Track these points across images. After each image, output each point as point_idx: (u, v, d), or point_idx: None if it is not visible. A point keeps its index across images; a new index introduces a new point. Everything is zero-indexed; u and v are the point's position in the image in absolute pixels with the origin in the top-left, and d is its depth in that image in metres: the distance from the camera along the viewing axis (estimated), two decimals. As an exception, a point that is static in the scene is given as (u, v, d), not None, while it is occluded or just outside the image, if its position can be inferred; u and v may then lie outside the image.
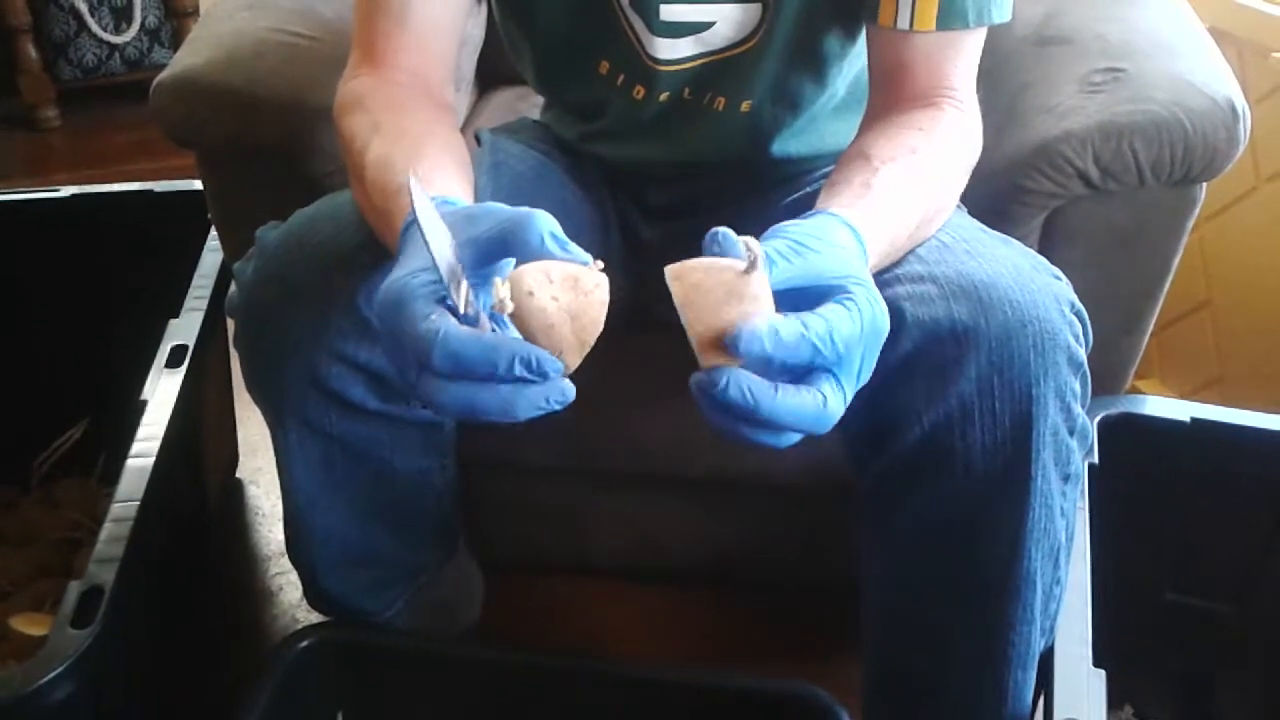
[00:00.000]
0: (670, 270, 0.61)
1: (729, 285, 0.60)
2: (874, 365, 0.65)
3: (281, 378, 0.85)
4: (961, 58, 0.83)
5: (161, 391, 1.01)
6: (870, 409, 0.78)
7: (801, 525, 1.17)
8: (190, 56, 1.06)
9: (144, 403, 0.99)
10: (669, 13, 0.89)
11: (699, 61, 0.92)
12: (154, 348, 1.08)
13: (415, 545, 1.03)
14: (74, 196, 1.28)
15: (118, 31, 2.37)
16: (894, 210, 0.75)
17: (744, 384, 0.59)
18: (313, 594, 1.01)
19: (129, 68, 2.42)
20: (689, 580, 1.24)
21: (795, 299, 0.63)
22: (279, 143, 1.03)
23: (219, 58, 1.04)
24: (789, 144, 0.98)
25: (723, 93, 0.93)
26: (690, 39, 0.90)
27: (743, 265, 0.60)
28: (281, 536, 1.31)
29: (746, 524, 1.19)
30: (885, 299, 0.74)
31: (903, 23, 0.81)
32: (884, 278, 0.77)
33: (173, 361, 1.04)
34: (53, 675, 0.73)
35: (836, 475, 0.89)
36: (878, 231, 0.72)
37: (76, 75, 2.39)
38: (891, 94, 0.84)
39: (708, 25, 0.90)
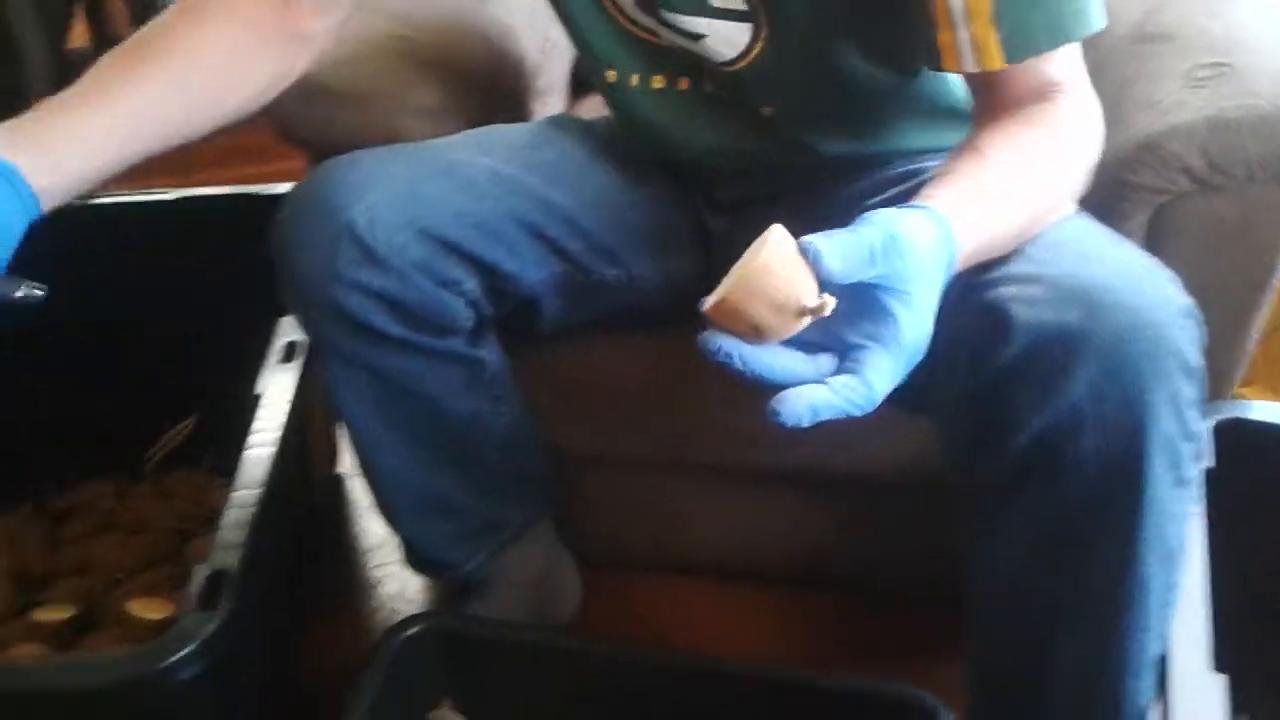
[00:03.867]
0: (779, 232, 0.64)
1: (784, 299, 0.63)
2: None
3: (309, 310, 0.92)
4: (1056, 61, 0.81)
5: (275, 385, 1.04)
6: (973, 411, 0.78)
7: (899, 523, 1.17)
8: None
9: (258, 396, 1.02)
10: (672, 19, 0.92)
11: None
12: (259, 346, 1.11)
13: (486, 495, 1.06)
14: (182, 199, 1.32)
15: (214, 40, 2.44)
16: (1000, 207, 0.75)
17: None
18: (404, 551, 1.09)
19: (225, 75, 2.47)
20: (782, 578, 1.24)
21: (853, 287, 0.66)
22: (387, 141, 1.05)
23: (333, 59, 1.07)
24: (836, 145, 0.98)
25: (738, 94, 0.95)
26: (693, 44, 0.93)
27: (812, 304, 0.63)
28: (381, 529, 1.35)
29: (842, 521, 1.19)
30: (990, 299, 0.74)
31: (969, 66, 0.81)
32: (990, 277, 0.76)
33: (285, 357, 1.07)
34: (182, 655, 0.76)
35: (937, 473, 0.89)
36: (976, 228, 0.72)
37: (176, 82, 2.45)
38: (994, 98, 0.83)
39: (700, 37, 0.92)
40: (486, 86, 1.21)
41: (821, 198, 0.99)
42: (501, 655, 1.01)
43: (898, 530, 1.18)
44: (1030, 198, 0.78)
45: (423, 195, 0.92)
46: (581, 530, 1.21)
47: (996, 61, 0.79)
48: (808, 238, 0.64)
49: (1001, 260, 0.77)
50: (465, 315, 0.96)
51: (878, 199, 0.92)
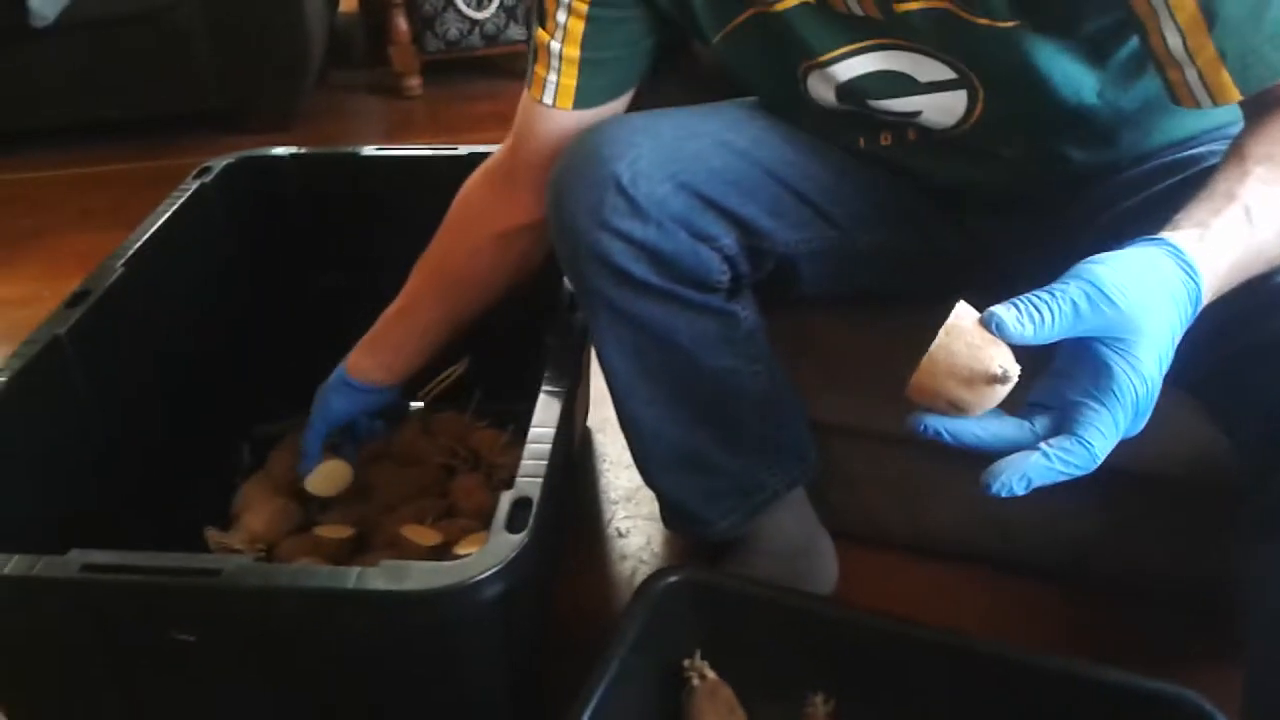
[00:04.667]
0: (961, 308, 0.64)
1: (970, 373, 0.63)
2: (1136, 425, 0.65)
3: (576, 257, 0.95)
4: None
5: (564, 333, 1.09)
6: (1274, 420, 0.74)
7: (1170, 521, 1.13)
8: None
9: (550, 342, 1.07)
10: (882, 106, 0.93)
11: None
12: (531, 301, 1.16)
13: (741, 455, 1.08)
14: (470, 154, 1.38)
15: (479, 8, 2.55)
16: (1262, 219, 0.70)
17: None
18: (659, 506, 1.12)
19: (486, 43, 2.59)
20: (1035, 571, 1.21)
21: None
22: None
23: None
24: (1089, 155, 0.96)
25: (967, 146, 0.95)
26: (909, 119, 0.93)
27: (997, 371, 0.62)
28: (628, 483, 1.38)
29: (1108, 514, 1.15)
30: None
31: (1205, 103, 0.77)
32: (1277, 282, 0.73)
33: (572, 308, 1.12)
34: (491, 572, 0.80)
35: (1220, 471, 0.86)
36: (1228, 249, 0.68)
37: (440, 47, 2.58)
38: (1263, 95, 0.77)
39: (916, 114, 0.92)
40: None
41: (1092, 192, 0.97)
42: (758, 614, 1.02)
43: (1168, 528, 1.13)
44: None
45: (684, 152, 0.95)
46: (832, 504, 1.22)
47: (1233, 95, 0.75)
48: (992, 308, 0.63)
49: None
50: (720, 270, 0.98)
51: (1156, 188, 0.90)
